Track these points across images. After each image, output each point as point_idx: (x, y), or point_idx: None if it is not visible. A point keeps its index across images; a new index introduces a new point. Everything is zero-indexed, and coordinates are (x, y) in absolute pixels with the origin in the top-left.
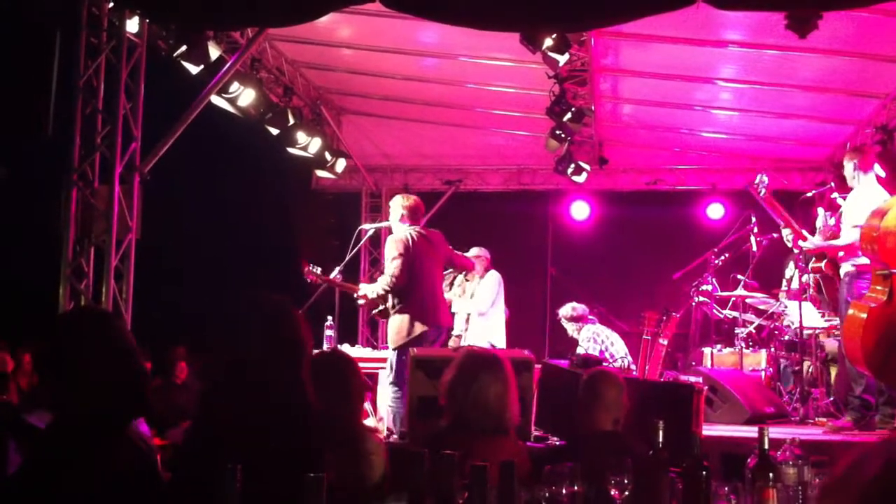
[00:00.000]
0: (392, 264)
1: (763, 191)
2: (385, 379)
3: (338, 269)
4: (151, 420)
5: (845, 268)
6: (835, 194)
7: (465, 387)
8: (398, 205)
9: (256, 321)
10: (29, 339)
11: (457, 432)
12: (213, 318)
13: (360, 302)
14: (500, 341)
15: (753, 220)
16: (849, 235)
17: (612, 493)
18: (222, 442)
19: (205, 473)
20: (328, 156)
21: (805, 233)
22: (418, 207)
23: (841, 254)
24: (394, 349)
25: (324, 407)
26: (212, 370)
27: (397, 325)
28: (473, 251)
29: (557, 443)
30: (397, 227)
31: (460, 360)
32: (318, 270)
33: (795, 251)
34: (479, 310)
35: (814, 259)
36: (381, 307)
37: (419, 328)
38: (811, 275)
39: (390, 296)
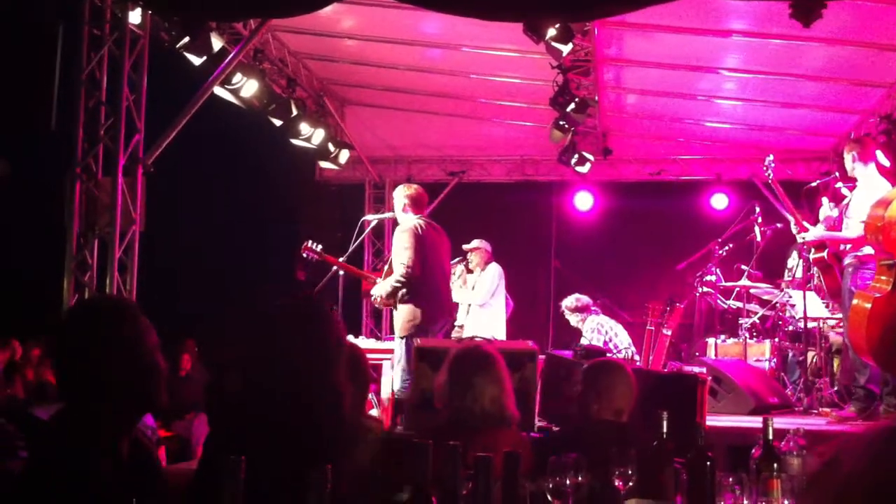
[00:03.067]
0: (404, 255)
1: (771, 173)
2: (391, 369)
3: (341, 259)
4: (157, 412)
5: (848, 258)
6: (839, 184)
7: (459, 394)
8: (401, 195)
9: (290, 323)
10: (33, 332)
11: (457, 426)
12: (233, 316)
13: (375, 300)
14: (501, 333)
15: (757, 210)
16: (855, 229)
17: (617, 484)
18: (244, 439)
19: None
20: (331, 147)
21: (806, 224)
22: (421, 197)
23: (845, 247)
24: (402, 337)
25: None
26: (237, 368)
27: (407, 314)
28: (474, 243)
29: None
30: (404, 218)
31: (452, 363)
32: (319, 248)
33: (800, 240)
34: (478, 302)
35: (814, 250)
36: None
37: (428, 316)
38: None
39: (402, 286)
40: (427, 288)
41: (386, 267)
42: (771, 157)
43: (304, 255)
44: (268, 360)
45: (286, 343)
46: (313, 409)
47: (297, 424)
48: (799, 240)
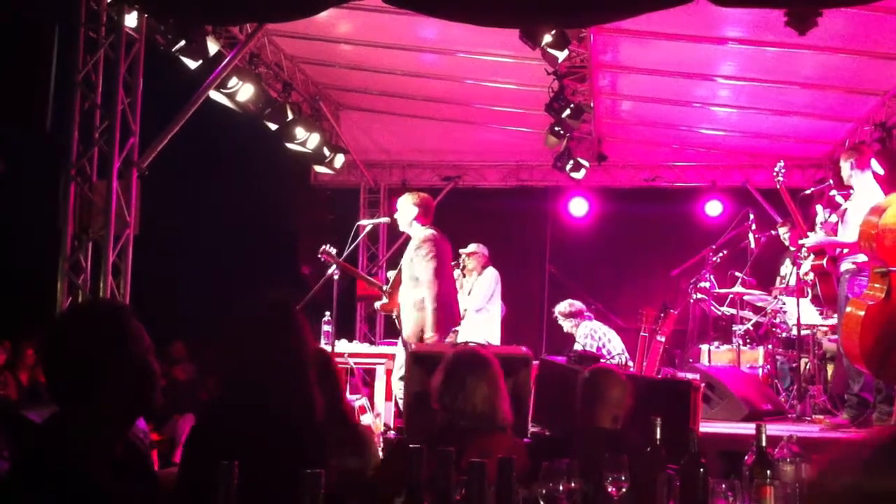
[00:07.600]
0: (429, 265)
1: (781, 178)
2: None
3: (335, 265)
4: (150, 415)
5: (845, 265)
6: (834, 191)
7: (452, 394)
8: (410, 203)
9: (258, 324)
10: (27, 334)
11: (452, 431)
12: (217, 320)
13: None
14: (496, 338)
15: (751, 217)
16: (854, 234)
17: (610, 490)
18: (225, 443)
19: (208, 474)
20: (326, 151)
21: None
22: (430, 204)
23: (843, 251)
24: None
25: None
26: (215, 371)
27: (420, 322)
28: (471, 247)
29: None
30: (415, 228)
31: (446, 365)
32: (334, 251)
33: (792, 249)
34: (475, 306)
35: (813, 256)
36: (384, 300)
37: (442, 327)
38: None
39: (417, 293)
40: (441, 299)
41: (393, 274)
42: (781, 163)
43: (321, 258)
44: (237, 362)
45: (253, 345)
46: (283, 411)
47: (267, 427)
48: (793, 244)
